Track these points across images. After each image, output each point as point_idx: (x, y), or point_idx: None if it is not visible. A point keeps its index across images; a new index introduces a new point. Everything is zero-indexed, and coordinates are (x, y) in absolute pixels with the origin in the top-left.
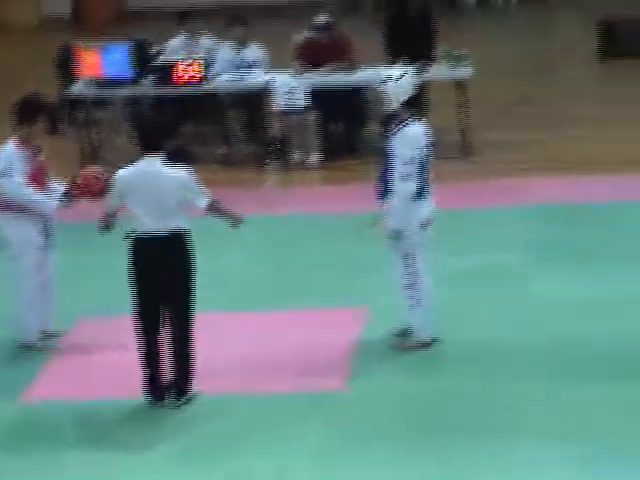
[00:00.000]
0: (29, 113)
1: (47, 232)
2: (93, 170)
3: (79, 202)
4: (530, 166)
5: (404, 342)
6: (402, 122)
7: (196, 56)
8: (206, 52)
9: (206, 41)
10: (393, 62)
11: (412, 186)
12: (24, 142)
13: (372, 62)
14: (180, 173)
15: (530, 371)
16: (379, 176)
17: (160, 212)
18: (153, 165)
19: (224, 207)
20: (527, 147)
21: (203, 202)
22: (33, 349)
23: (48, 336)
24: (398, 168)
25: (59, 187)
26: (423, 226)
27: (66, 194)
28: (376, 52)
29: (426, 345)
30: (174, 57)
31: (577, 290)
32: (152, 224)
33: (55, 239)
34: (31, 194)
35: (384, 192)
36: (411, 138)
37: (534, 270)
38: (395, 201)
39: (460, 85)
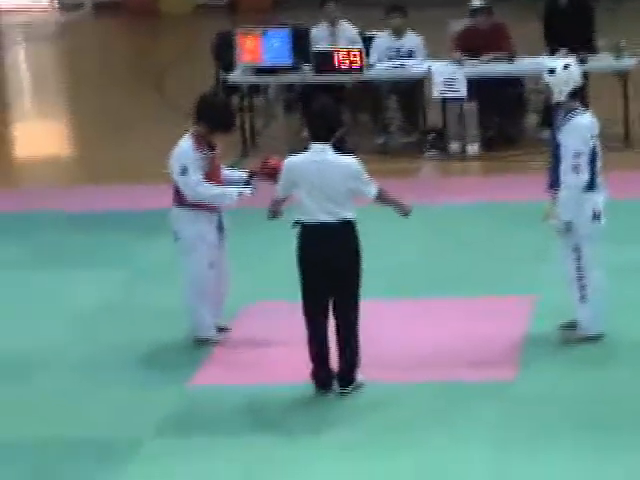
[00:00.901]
0: (210, 121)
1: (221, 227)
2: (274, 159)
3: (260, 188)
4: None
5: (572, 335)
6: (570, 113)
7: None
8: (347, 40)
9: (347, 28)
10: (552, 52)
11: (583, 177)
12: (200, 139)
13: (527, 51)
14: (349, 162)
15: None
16: (550, 167)
17: (329, 201)
18: (323, 154)
19: (392, 196)
20: None
21: (372, 192)
22: (209, 343)
23: (221, 330)
24: (568, 159)
25: (239, 176)
26: (595, 218)
27: (248, 182)
28: (531, 41)
29: (594, 339)
30: (326, 45)
31: None
32: (321, 212)
33: (229, 233)
34: (210, 189)
35: (555, 183)
36: (581, 129)
37: None
38: (566, 193)
39: (623, 76)
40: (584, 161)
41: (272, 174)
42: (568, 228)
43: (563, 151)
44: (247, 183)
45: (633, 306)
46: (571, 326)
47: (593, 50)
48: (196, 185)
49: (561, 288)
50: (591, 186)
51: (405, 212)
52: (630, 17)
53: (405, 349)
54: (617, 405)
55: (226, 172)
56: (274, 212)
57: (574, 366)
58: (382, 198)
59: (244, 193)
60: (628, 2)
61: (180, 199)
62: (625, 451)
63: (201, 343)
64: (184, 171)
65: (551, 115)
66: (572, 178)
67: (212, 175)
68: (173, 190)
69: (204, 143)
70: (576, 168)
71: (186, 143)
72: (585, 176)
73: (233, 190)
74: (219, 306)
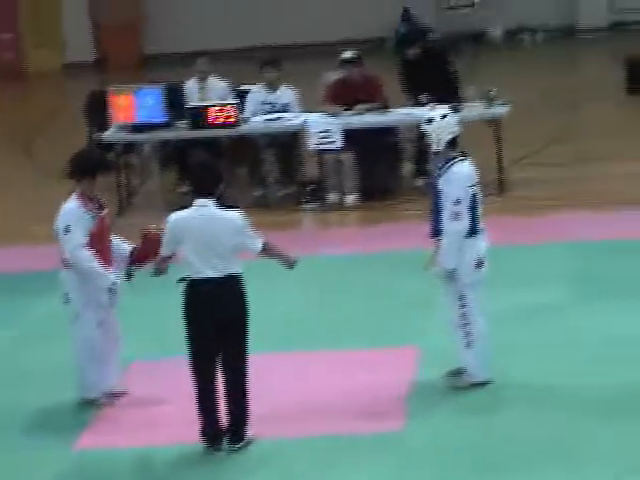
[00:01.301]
0: (88, 167)
1: (112, 290)
2: (153, 229)
3: (142, 268)
4: (564, 203)
5: (458, 382)
6: (449, 161)
7: (229, 100)
8: (217, 95)
9: (216, 82)
10: (416, 102)
11: (463, 225)
12: (86, 198)
13: (399, 102)
14: (234, 217)
15: (583, 410)
16: (431, 216)
17: (215, 256)
18: (207, 209)
19: (277, 249)
20: (560, 184)
21: (257, 246)
22: (96, 404)
23: (114, 396)
24: (449, 207)
25: (123, 253)
26: (478, 265)
27: (130, 266)
28: (401, 92)
29: (481, 385)
30: (196, 101)
31: (626, 327)
32: (207, 268)
33: (119, 296)
34: (89, 261)
35: (436, 232)
36: (459, 177)
37: (580, 307)
38: (447, 240)
39: (494, 123)
40: (464, 208)
41: (153, 247)
42: (451, 275)
43: (443, 199)
44: (130, 262)
45: (515, 350)
46: (457, 373)
47: (460, 99)
48: (76, 248)
49: (445, 336)
50: (473, 232)
51: (290, 264)
52: (499, 64)
53: (293, 403)
54: (508, 448)
55: (114, 241)
56: (159, 269)
57: (462, 412)
58: (267, 251)
59: (116, 286)
60: (485, 53)
61: (68, 261)
62: None
63: (88, 404)
64: (67, 230)
65: (425, 164)
66: (453, 225)
67: (101, 236)
68: (60, 252)
69: (91, 202)
70: (457, 215)
71: (72, 202)
72: (465, 223)
73: (110, 277)
74: (110, 366)
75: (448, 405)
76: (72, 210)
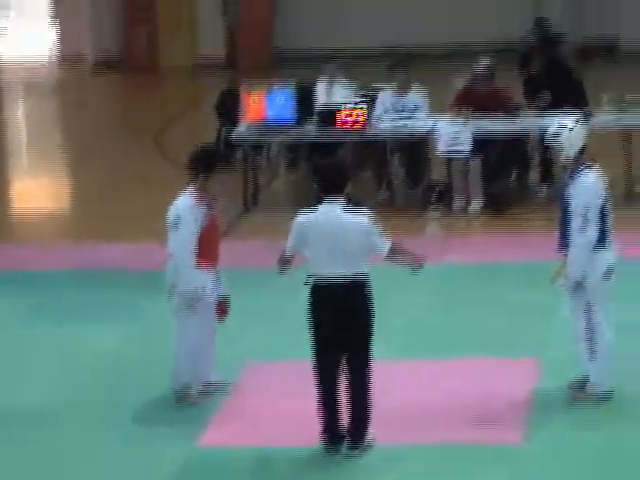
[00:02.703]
0: (207, 164)
1: (217, 283)
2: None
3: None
4: None
5: (580, 394)
6: (578, 171)
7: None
8: (342, 98)
9: (341, 89)
10: (541, 111)
11: (592, 235)
12: (199, 194)
13: (527, 110)
14: (362, 219)
15: None
16: (559, 227)
17: (342, 258)
18: (334, 210)
19: (405, 249)
20: None
21: (385, 248)
22: (191, 401)
23: (211, 386)
24: (577, 217)
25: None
26: (606, 276)
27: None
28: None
29: (603, 398)
30: (332, 102)
31: None
32: (333, 270)
33: (224, 289)
34: (189, 261)
35: (565, 243)
36: (587, 187)
37: None
38: (575, 251)
39: (626, 134)
40: (593, 218)
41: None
42: (578, 287)
43: (572, 209)
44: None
45: (638, 364)
46: (580, 385)
47: (589, 107)
48: (180, 245)
49: (566, 348)
50: (602, 243)
51: (418, 265)
52: (632, 75)
53: (413, 410)
54: (630, 463)
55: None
56: (283, 267)
57: (582, 426)
58: (395, 253)
59: (197, 294)
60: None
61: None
62: None
63: (183, 400)
64: (176, 225)
65: (551, 174)
66: (581, 236)
67: (210, 235)
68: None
69: (205, 199)
70: (585, 226)
71: (185, 197)
72: (594, 234)
73: (196, 283)
74: (210, 363)
75: (569, 418)
76: (184, 205)
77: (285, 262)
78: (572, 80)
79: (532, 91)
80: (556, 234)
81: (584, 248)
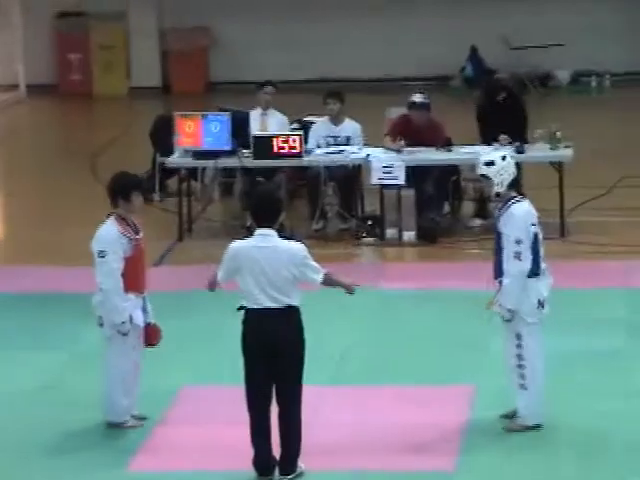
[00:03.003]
0: (123, 190)
1: (145, 310)
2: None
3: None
4: (626, 250)
5: (512, 424)
6: (509, 202)
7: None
8: (277, 126)
9: (276, 114)
10: (486, 144)
11: (526, 264)
12: (123, 221)
13: (463, 142)
14: (296, 248)
15: (633, 464)
16: (494, 255)
17: (274, 286)
18: (269, 239)
19: (337, 277)
20: (622, 230)
21: (319, 277)
22: (122, 428)
23: (137, 418)
24: (510, 247)
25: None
26: (540, 306)
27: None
28: (466, 131)
29: (533, 428)
30: (261, 130)
31: None
32: (266, 298)
33: (151, 316)
34: (116, 293)
35: (499, 273)
36: (520, 217)
37: (637, 352)
38: (509, 281)
39: (558, 166)
40: (525, 248)
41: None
42: (511, 316)
43: (504, 240)
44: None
45: (570, 393)
46: (512, 415)
47: (525, 140)
48: (107, 274)
49: (500, 377)
50: (535, 273)
51: (351, 290)
52: (566, 107)
53: (346, 436)
54: None
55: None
56: (212, 289)
57: (513, 454)
58: (328, 281)
59: (124, 328)
60: (564, 91)
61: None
62: None
63: (116, 427)
64: (102, 254)
65: (484, 206)
66: (514, 266)
67: (136, 261)
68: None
69: (128, 225)
70: (518, 255)
71: (109, 225)
72: (527, 263)
73: (124, 315)
74: (135, 391)
75: (501, 446)
76: (108, 235)
77: (214, 285)
78: (521, 113)
79: (487, 124)
80: (490, 263)
81: (518, 277)
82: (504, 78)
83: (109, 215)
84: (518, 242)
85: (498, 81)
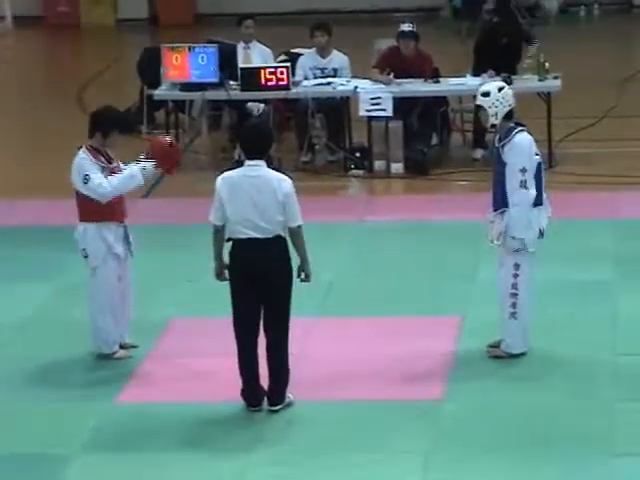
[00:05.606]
0: (102, 126)
1: (127, 240)
2: (162, 139)
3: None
4: (613, 180)
5: (497, 352)
6: (511, 132)
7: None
8: (261, 59)
9: (260, 47)
10: (476, 74)
11: (531, 193)
12: (95, 151)
13: (451, 73)
14: (285, 179)
15: (619, 390)
16: (493, 186)
17: (262, 216)
18: (257, 169)
19: (304, 248)
20: (610, 160)
21: (296, 222)
22: (112, 359)
23: (126, 348)
24: (515, 176)
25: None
26: (541, 235)
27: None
28: (454, 63)
29: (518, 356)
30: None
31: None
32: (253, 228)
33: (135, 246)
34: (113, 180)
35: (499, 202)
36: (524, 146)
37: (623, 283)
38: (516, 210)
39: (546, 97)
40: (531, 177)
41: (163, 151)
42: (521, 244)
43: (509, 170)
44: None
45: (557, 324)
46: (498, 344)
47: (514, 71)
48: (99, 186)
49: (489, 307)
50: (538, 202)
51: (307, 274)
52: (554, 37)
53: (334, 367)
54: (549, 417)
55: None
56: (221, 274)
57: (501, 383)
58: (299, 237)
59: (147, 167)
60: (553, 21)
61: (85, 215)
62: (558, 464)
63: (104, 359)
64: (86, 179)
65: (482, 135)
66: (520, 194)
67: None
68: (77, 206)
69: (100, 155)
70: (524, 184)
71: (81, 156)
72: (533, 191)
73: (135, 168)
74: (124, 321)
75: (488, 374)
76: (84, 162)
77: (220, 264)
78: (519, 47)
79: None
80: (486, 194)
81: (524, 206)
82: (505, 23)
83: (80, 147)
84: (523, 171)
85: (500, 26)
